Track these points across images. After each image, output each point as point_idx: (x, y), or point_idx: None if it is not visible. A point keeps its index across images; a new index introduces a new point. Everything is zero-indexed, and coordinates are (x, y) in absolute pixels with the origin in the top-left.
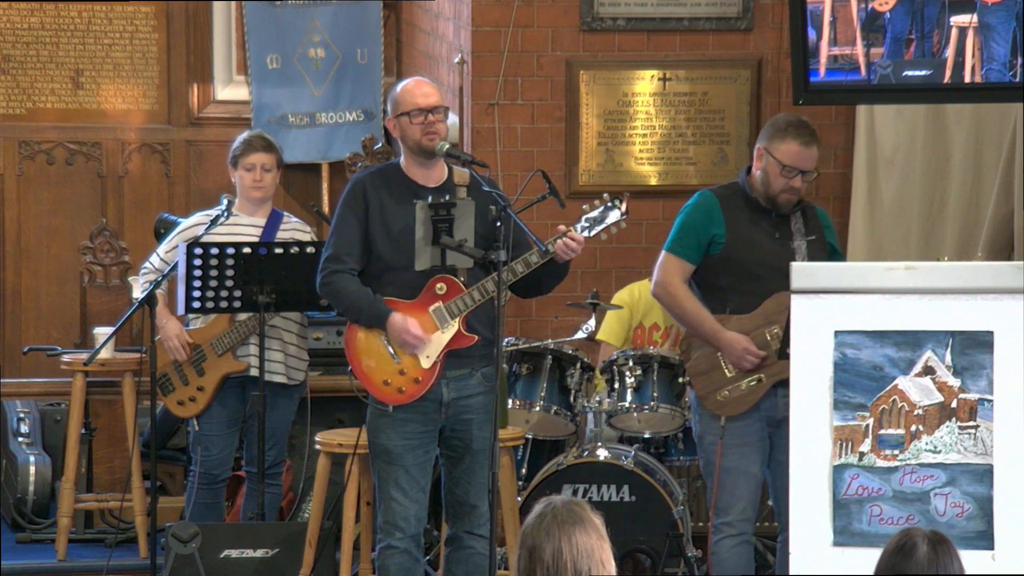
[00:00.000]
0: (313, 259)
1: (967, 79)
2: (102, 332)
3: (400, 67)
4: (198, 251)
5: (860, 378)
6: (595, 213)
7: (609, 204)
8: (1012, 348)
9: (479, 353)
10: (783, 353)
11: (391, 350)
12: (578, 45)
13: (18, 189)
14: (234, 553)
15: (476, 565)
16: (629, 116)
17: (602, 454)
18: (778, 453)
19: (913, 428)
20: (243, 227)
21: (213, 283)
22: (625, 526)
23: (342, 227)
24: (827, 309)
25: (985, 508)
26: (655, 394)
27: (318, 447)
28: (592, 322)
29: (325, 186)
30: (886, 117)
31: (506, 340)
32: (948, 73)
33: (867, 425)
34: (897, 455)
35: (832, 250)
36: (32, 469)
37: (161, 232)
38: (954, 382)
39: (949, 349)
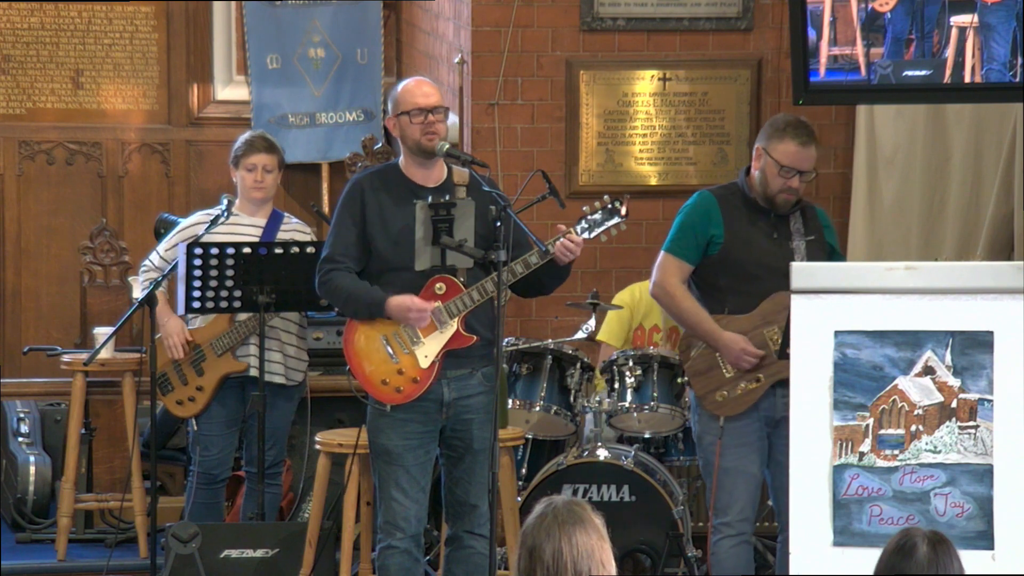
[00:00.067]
0: (313, 259)
1: (967, 79)
2: (102, 332)
3: (400, 67)
4: (198, 251)
5: (860, 378)
6: (595, 215)
7: (609, 206)
8: (1012, 348)
9: (479, 353)
10: (783, 353)
11: (390, 350)
12: (578, 45)
13: (18, 189)
14: (234, 553)
15: (476, 565)
16: (629, 116)
17: (602, 454)
18: (777, 453)
19: (913, 428)
20: (243, 227)
21: (213, 283)
22: (625, 526)
23: (339, 229)
24: (827, 309)
25: (985, 508)
26: (655, 394)
27: (318, 447)
28: (592, 322)
29: (325, 186)
30: (886, 117)
31: (506, 340)
32: (948, 73)
33: (867, 425)
34: (897, 455)
35: (832, 250)
36: (32, 469)
37: (161, 232)
38: (954, 382)
39: (949, 349)
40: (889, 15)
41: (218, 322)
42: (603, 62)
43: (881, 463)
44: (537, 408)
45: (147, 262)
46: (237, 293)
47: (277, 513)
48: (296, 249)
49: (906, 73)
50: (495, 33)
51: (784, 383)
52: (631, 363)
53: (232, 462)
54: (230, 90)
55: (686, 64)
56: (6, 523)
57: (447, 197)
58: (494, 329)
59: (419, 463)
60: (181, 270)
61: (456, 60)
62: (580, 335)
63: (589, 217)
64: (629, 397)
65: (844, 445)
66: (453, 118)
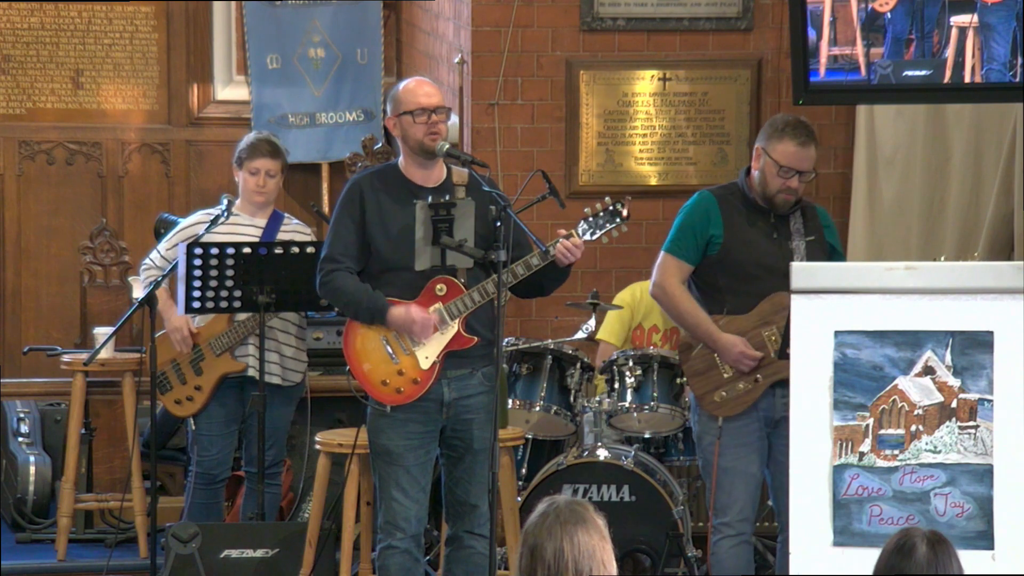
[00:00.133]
0: (313, 259)
1: (967, 79)
2: (102, 332)
3: (400, 67)
4: (198, 251)
5: (860, 378)
6: (597, 217)
7: (611, 208)
8: (1012, 348)
9: (479, 353)
10: (783, 353)
11: (390, 350)
12: (578, 45)
13: (18, 189)
14: (234, 553)
15: (476, 565)
16: (629, 116)
17: (602, 454)
18: (777, 453)
19: (913, 428)
20: (244, 227)
21: (213, 283)
22: (625, 526)
23: (338, 230)
24: (827, 309)
25: (985, 508)
26: (655, 394)
27: (318, 447)
28: (592, 322)
29: (325, 186)
30: (886, 117)
31: (506, 340)
32: (948, 73)
33: (867, 425)
34: (897, 455)
35: (832, 250)
36: (32, 469)
37: (161, 232)
38: (954, 382)
39: (949, 349)
40: (889, 15)
41: (217, 322)
42: (603, 62)
43: (881, 463)
44: (537, 408)
45: (147, 261)
46: (237, 293)
47: (277, 513)
48: (296, 249)
49: (906, 73)
50: (495, 33)
51: (783, 383)
52: (631, 363)
53: (231, 462)
54: (230, 90)
55: (686, 64)
56: (6, 523)
57: (447, 197)
58: (494, 329)
59: (419, 463)
60: (181, 270)
61: (456, 60)
62: (580, 335)
63: (590, 219)
64: (629, 397)
65: (844, 445)
66: (453, 118)
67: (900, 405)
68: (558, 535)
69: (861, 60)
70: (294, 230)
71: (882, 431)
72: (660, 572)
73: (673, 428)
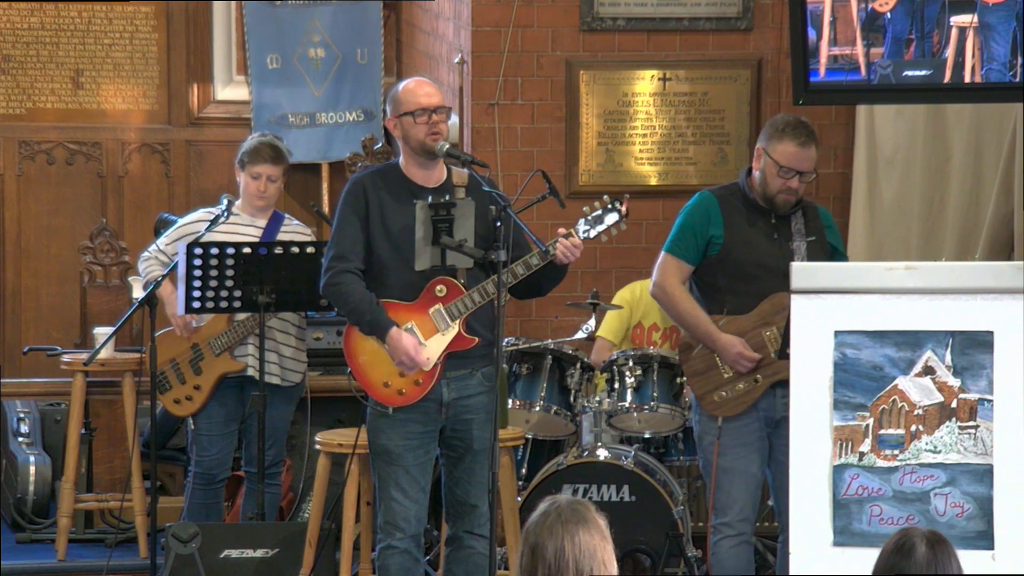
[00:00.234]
0: (313, 259)
1: (967, 79)
2: (102, 332)
3: (400, 67)
4: (198, 251)
5: (860, 378)
6: (595, 215)
7: (609, 206)
8: (1012, 348)
9: (479, 353)
10: (783, 353)
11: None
12: (578, 45)
13: (18, 189)
14: (234, 553)
15: (476, 565)
16: (629, 116)
17: (602, 454)
18: (778, 453)
19: (913, 428)
20: (244, 227)
21: (213, 283)
22: (625, 526)
23: (344, 226)
24: (827, 309)
25: (985, 508)
26: (655, 394)
27: (318, 447)
28: (592, 322)
29: (325, 186)
30: (886, 117)
31: (506, 340)
32: (948, 73)
33: (867, 425)
34: (897, 455)
35: (834, 250)
36: (32, 469)
37: (160, 232)
38: (954, 382)
39: (949, 349)
40: (889, 15)
41: (216, 322)
42: (603, 62)
43: (881, 463)
44: (537, 408)
45: (146, 252)
46: (237, 293)
47: (277, 513)
48: (296, 249)
49: (906, 73)
50: (495, 33)
51: (783, 383)
52: (631, 363)
53: (231, 462)
54: (230, 90)
55: (686, 64)
56: (6, 523)
57: (447, 197)
58: (494, 329)
59: (419, 463)
60: (181, 270)
61: (456, 60)
62: (580, 335)
63: (589, 217)
64: (629, 397)
65: (844, 445)
66: (453, 118)
67: (900, 405)
68: (559, 534)
69: (861, 60)
70: (294, 231)
71: (882, 431)
72: (660, 572)
73: (673, 428)
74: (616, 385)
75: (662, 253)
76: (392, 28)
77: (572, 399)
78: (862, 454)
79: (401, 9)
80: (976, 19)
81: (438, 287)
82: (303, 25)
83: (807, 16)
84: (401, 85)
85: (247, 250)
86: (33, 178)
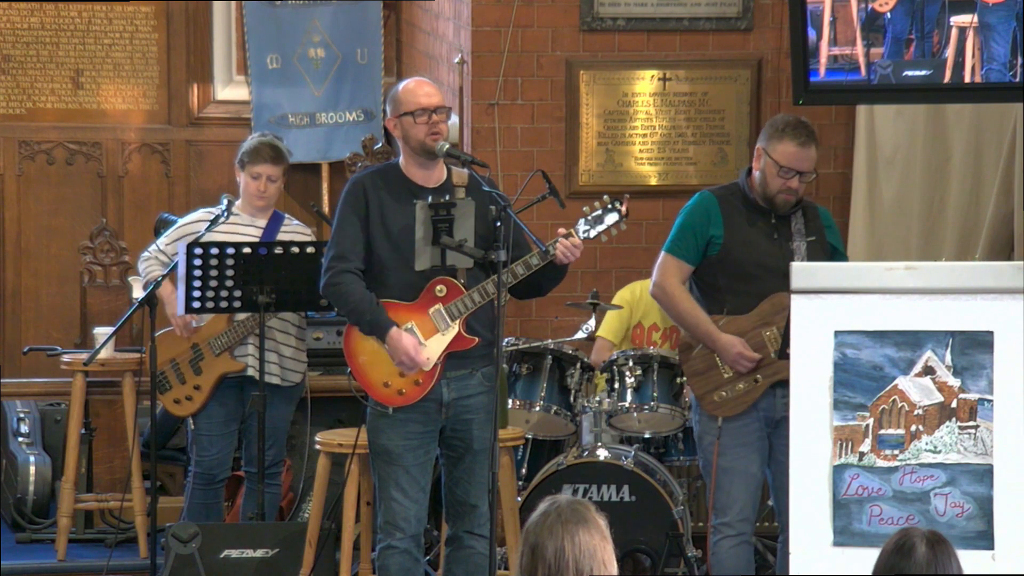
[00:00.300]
0: (313, 259)
1: (967, 79)
2: (102, 332)
3: (400, 67)
4: (198, 251)
5: (860, 378)
6: (595, 215)
7: (609, 206)
8: (1012, 348)
9: (479, 353)
10: (783, 353)
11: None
12: (578, 45)
13: (18, 189)
14: (234, 553)
15: (476, 565)
16: (629, 116)
17: (602, 454)
18: (778, 453)
19: (913, 428)
20: (244, 227)
21: (213, 283)
22: (625, 526)
23: (345, 226)
24: (827, 309)
25: (985, 508)
26: (655, 394)
27: (318, 447)
28: (592, 322)
29: (325, 186)
30: (886, 117)
31: (506, 340)
32: (948, 73)
33: (867, 425)
34: (897, 455)
35: (834, 250)
36: (32, 469)
37: (160, 232)
38: (954, 382)
39: (949, 349)
40: (889, 15)
41: (216, 321)
42: (603, 62)
43: (881, 463)
44: (537, 408)
45: (146, 252)
46: (237, 293)
47: (277, 513)
48: (296, 249)
49: (906, 73)
50: (495, 33)
51: (783, 383)
52: (631, 363)
53: (231, 462)
54: (230, 90)
55: (686, 64)
56: (6, 523)
57: (447, 197)
58: (494, 329)
59: (419, 463)
60: (181, 270)
61: (456, 60)
62: (580, 335)
63: (589, 217)
64: (629, 397)
65: (844, 445)
66: (453, 118)
67: (900, 405)
68: (559, 534)
69: (861, 60)
70: (294, 231)
71: (882, 431)
72: (660, 572)
73: (673, 428)
74: (616, 385)
75: (662, 253)
76: (392, 28)
77: (572, 399)
78: (862, 454)
79: (401, 9)
80: (976, 19)
81: (438, 287)
82: (303, 25)
83: (807, 16)
84: (401, 85)
85: (247, 250)
86: (33, 178)
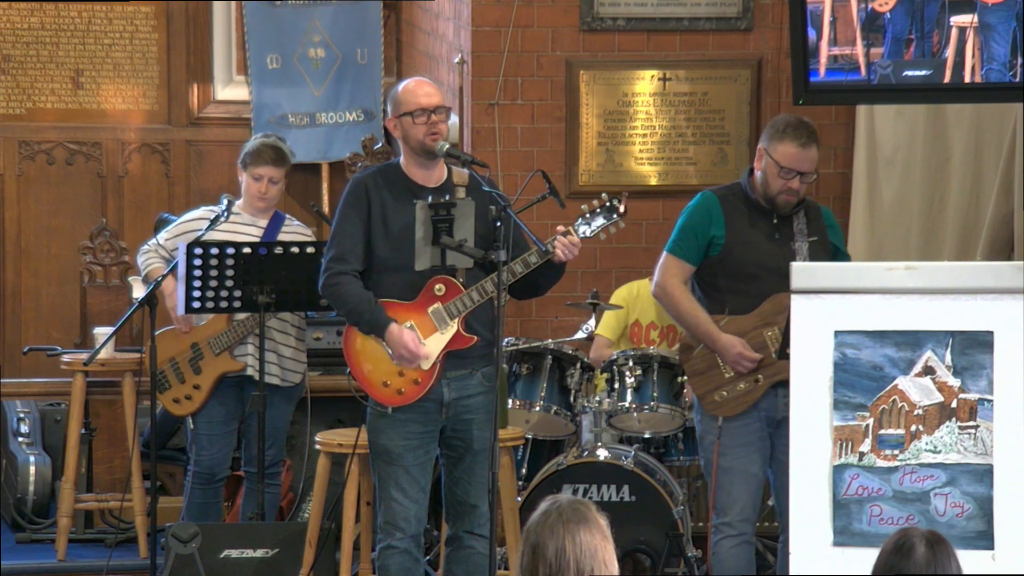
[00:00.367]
0: (313, 259)
1: (967, 79)
2: (102, 332)
3: (400, 67)
4: (198, 251)
5: (860, 378)
6: (593, 213)
7: (608, 204)
8: (1012, 348)
9: (479, 353)
10: (783, 353)
11: (390, 351)
12: (578, 45)
13: (18, 189)
14: (234, 553)
15: (476, 565)
16: (629, 116)
17: (602, 454)
18: (779, 453)
19: (913, 428)
20: (245, 227)
21: (213, 283)
22: (625, 526)
23: (345, 226)
24: (827, 309)
25: (985, 508)
26: (655, 394)
27: (318, 447)
28: (592, 322)
29: (325, 186)
30: (886, 117)
31: (506, 340)
32: (948, 73)
33: (867, 425)
34: (897, 455)
35: (836, 250)
36: (32, 469)
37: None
38: (954, 382)
39: (949, 349)
40: (889, 15)
41: (216, 321)
42: (603, 62)
43: (881, 463)
44: (537, 408)
45: (146, 246)
46: (237, 293)
47: (277, 513)
48: (296, 249)
49: (906, 73)
50: (495, 33)
51: (785, 383)
52: (631, 363)
53: (230, 461)
54: (230, 90)
55: (686, 64)
56: (6, 523)
57: (447, 197)
58: (494, 329)
59: (419, 463)
60: (181, 270)
61: (456, 60)
62: (580, 335)
63: (587, 215)
64: (629, 397)
65: (844, 445)
66: (453, 118)
67: (900, 405)
68: (560, 534)
69: (861, 60)
70: (295, 231)
71: (882, 431)
72: (660, 572)
73: (673, 428)
74: (616, 385)
75: (664, 253)
76: (392, 28)
77: (572, 399)
78: (862, 454)
79: (401, 9)
80: (976, 19)
81: (437, 286)
82: (303, 25)
83: (807, 16)
84: (401, 85)
85: (247, 250)
86: (33, 178)
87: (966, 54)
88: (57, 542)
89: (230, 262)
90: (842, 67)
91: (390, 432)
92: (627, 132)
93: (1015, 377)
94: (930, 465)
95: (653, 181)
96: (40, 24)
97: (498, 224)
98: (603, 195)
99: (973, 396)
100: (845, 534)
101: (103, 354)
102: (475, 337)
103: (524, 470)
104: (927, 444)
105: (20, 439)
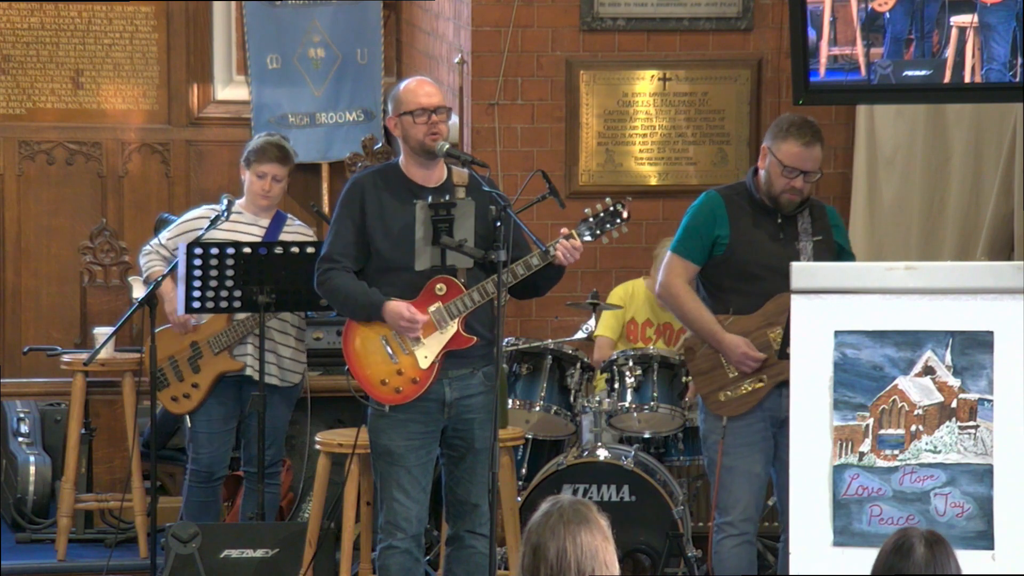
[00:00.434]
0: (313, 259)
1: (967, 79)
2: (102, 332)
3: (400, 67)
4: (198, 251)
5: (860, 378)
6: (597, 217)
7: (611, 208)
8: (1012, 348)
9: (480, 353)
10: (783, 353)
11: (389, 350)
12: (578, 45)
13: (18, 189)
14: (234, 553)
15: (477, 565)
16: (629, 116)
17: (602, 454)
18: (783, 453)
19: (913, 428)
20: (247, 227)
21: (213, 283)
22: (625, 526)
23: (338, 229)
24: (827, 309)
25: (985, 508)
26: (655, 394)
27: (318, 447)
28: (592, 322)
29: (325, 186)
30: (886, 117)
31: (506, 340)
32: (948, 73)
33: (867, 425)
34: (897, 455)
35: (841, 249)
36: (32, 469)
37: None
38: (954, 382)
39: (949, 349)
40: (889, 15)
41: (216, 320)
42: (603, 62)
43: (881, 463)
44: (537, 408)
45: (147, 247)
46: (237, 293)
47: (277, 513)
48: (296, 249)
49: (906, 73)
50: (495, 33)
51: (788, 383)
52: (631, 363)
53: (228, 460)
54: (230, 90)
55: (686, 64)
56: (6, 523)
57: (447, 197)
58: (494, 329)
59: (420, 463)
60: (181, 270)
61: (456, 60)
62: (580, 335)
63: (590, 219)
64: (629, 397)
65: (844, 445)
66: (453, 118)
67: (900, 405)
68: (561, 534)
69: (861, 60)
70: (297, 231)
71: (882, 431)
72: (660, 572)
73: (673, 428)
74: (616, 385)
75: (668, 253)
76: (392, 28)
77: (572, 399)
78: (862, 454)
79: (401, 9)
80: (976, 19)
81: (438, 286)
82: (303, 25)
83: (807, 16)
84: (402, 84)
85: (247, 250)
86: (33, 178)
87: (966, 54)
88: (57, 542)
89: (230, 262)
90: (842, 67)
91: (392, 432)
92: (627, 132)
93: (1015, 377)
94: (930, 465)
95: (653, 181)
96: (40, 24)
97: (498, 224)
98: (607, 199)
99: (973, 396)
100: (845, 534)
101: (103, 354)
102: (474, 338)
103: (524, 470)
104: (927, 444)
105: (20, 439)
